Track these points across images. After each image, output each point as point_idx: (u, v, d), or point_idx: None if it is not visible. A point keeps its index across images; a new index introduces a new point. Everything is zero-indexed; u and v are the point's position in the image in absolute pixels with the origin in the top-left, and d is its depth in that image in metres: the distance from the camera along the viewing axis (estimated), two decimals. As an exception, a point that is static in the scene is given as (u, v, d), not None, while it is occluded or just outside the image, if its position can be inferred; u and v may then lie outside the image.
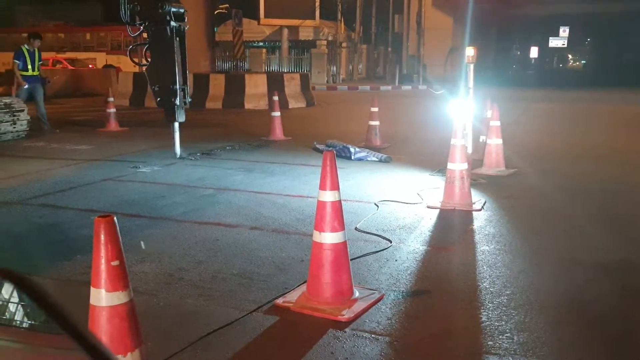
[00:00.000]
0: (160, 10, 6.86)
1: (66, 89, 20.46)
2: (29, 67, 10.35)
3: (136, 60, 8.59)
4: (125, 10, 7.05)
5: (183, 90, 7.22)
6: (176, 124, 7.54)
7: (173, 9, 6.94)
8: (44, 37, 36.30)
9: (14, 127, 9.59)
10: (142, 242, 4.31)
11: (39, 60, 10.55)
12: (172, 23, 6.94)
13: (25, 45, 10.42)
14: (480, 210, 5.27)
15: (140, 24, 7.26)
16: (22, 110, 9.80)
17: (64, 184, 6.32)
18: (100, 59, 31.10)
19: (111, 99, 11.39)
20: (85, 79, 21.82)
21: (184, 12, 7.13)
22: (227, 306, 3.22)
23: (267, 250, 4.16)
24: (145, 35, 7.53)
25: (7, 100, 9.95)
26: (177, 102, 7.17)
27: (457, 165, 5.32)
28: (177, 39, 7.05)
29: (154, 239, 4.43)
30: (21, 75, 10.31)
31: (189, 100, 7.40)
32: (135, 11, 7.09)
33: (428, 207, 5.38)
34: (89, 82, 21.42)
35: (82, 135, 10.35)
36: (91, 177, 6.67)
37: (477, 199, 5.57)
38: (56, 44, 34.18)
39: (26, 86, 10.30)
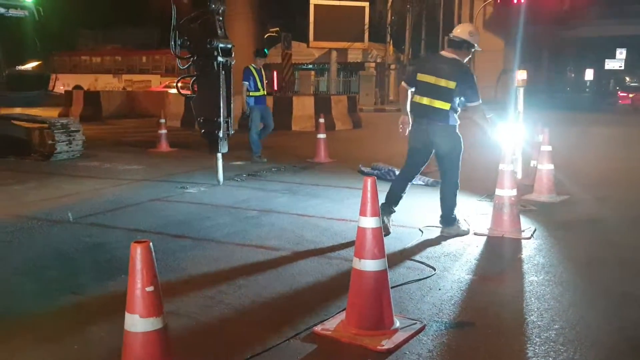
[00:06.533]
0: (208, 46, 7.04)
1: (121, 110, 21.14)
2: (259, 86, 9.56)
3: (183, 91, 8.85)
4: (175, 44, 7.26)
5: (227, 122, 7.34)
6: (219, 154, 7.60)
7: (221, 45, 7.10)
8: (102, 60, 37.77)
9: (70, 147, 9.93)
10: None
11: (265, 79, 9.83)
12: (220, 58, 7.09)
13: (252, 65, 9.66)
14: (529, 238, 5.09)
15: (189, 58, 7.46)
16: (78, 131, 10.14)
17: (113, 203, 6.48)
18: (155, 81, 32.15)
19: (163, 121, 11.69)
20: (139, 101, 22.52)
21: (231, 48, 7.27)
22: (266, 331, 3.19)
23: (307, 275, 4.12)
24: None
25: (64, 120, 10.34)
26: (221, 134, 7.28)
27: (506, 192, 5.17)
28: (223, 72, 7.19)
29: (197, 261, 4.46)
30: (253, 96, 9.48)
31: (232, 132, 7.50)
32: (185, 45, 7.29)
33: (475, 234, 5.23)
34: (143, 103, 22.08)
35: (133, 155, 10.63)
36: (140, 197, 6.81)
37: (527, 226, 5.39)
38: (113, 66, 35.52)
39: (247, 112, 9.46)
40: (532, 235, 5.19)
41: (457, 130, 5.10)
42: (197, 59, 7.35)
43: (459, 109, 5.05)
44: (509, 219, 5.17)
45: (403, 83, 5.36)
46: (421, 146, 5.18)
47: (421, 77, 5.11)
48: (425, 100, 5.05)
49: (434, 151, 5.22)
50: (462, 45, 5.08)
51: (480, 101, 5.04)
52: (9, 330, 3.23)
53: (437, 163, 5.34)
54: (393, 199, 5.32)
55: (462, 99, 5.02)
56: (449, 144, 5.06)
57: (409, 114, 5.22)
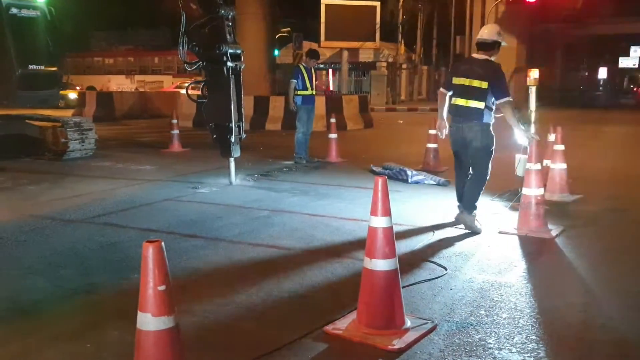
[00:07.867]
0: (217, 51, 7.05)
1: (134, 111, 21.25)
2: (308, 85, 9.46)
3: (192, 92, 8.88)
4: (183, 49, 7.29)
5: (238, 126, 7.35)
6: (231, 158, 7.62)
7: (230, 50, 7.11)
8: (115, 61, 38.06)
9: (82, 146, 10.01)
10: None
11: (316, 80, 9.80)
12: (229, 63, 7.10)
13: (303, 64, 9.77)
14: (554, 237, 5.06)
15: (197, 62, 7.48)
16: (91, 129, 10.22)
17: (126, 203, 6.53)
18: (167, 82, 32.34)
19: (175, 121, 11.74)
20: (152, 101, 22.64)
21: (240, 53, 7.28)
22: (277, 330, 3.20)
23: (318, 275, 4.13)
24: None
25: (77, 119, 10.43)
26: (233, 139, 7.30)
27: (533, 191, 5.14)
28: (233, 77, 7.20)
29: (209, 260, 4.48)
30: (301, 94, 9.43)
31: (244, 136, 7.52)
32: (194, 51, 7.31)
33: (500, 232, 5.22)
34: (155, 103, 22.19)
35: (146, 155, 10.69)
36: (152, 197, 6.85)
37: (555, 226, 5.34)
38: (126, 67, 35.78)
39: (294, 108, 9.50)
40: (558, 234, 5.16)
41: (491, 129, 5.30)
42: (207, 64, 7.36)
43: (493, 107, 5.26)
44: (535, 218, 5.14)
45: (441, 89, 5.63)
46: (460, 145, 5.41)
47: (456, 80, 5.39)
48: (460, 102, 5.34)
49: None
50: (494, 46, 5.35)
51: (509, 98, 5.19)
52: (23, 328, 3.26)
53: (469, 160, 5.46)
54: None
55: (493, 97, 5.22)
56: (481, 140, 5.27)
57: (444, 118, 5.49)
